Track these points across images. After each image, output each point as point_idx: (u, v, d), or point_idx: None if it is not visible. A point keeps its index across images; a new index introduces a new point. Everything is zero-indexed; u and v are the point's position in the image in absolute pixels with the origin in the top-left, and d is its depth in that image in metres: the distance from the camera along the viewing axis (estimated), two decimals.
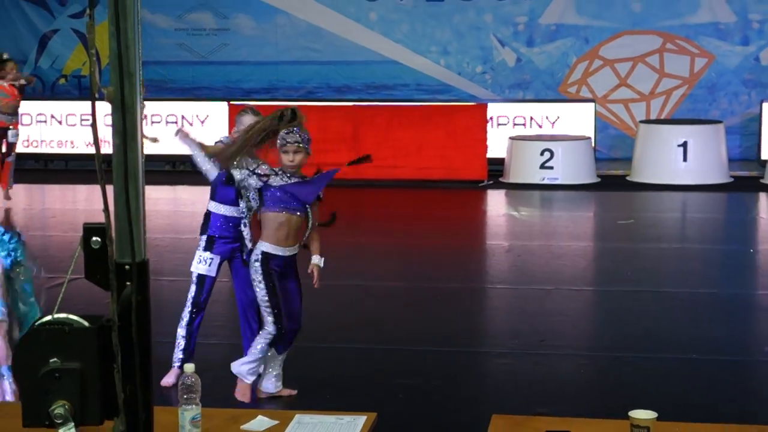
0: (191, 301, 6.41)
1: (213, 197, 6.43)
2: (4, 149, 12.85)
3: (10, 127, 12.79)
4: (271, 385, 6.04)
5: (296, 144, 5.66)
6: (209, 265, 6.35)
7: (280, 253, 5.77)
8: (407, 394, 6.22)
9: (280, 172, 5.76)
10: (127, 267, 2.23)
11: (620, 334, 7.59)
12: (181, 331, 6.39)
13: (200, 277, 6.38)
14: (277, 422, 4.08)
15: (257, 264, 5.76)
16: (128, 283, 2.23)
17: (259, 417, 4.11)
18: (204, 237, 6.38)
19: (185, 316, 6.41)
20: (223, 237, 6.34)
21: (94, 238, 2.23)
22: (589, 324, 7.87)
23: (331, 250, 10.33)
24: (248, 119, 6.39)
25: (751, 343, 7.44)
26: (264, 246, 5.77)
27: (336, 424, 4.07)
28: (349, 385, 6.41)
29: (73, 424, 2.22)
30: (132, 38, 2.20)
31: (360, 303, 8.42)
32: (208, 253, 6.36)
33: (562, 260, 10.00)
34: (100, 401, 2.23)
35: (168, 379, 6.31)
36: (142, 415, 2.24)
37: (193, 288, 6.41)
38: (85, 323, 2.26)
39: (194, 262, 6.41)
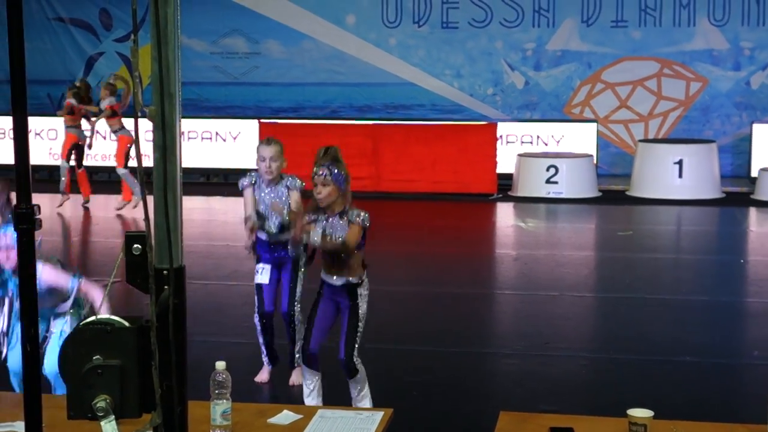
0: (255, 310, 6.49)
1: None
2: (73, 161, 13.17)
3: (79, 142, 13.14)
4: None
5: (323, 176, 5.51)
6: (261, 274, 6.42)
7: (328, 281, 5.64)
8: (421, 391, 6.20)
9: (319, 211, 5.56)
10: (165, 272, 2.23)
11: (619, 337, 7.56)
12: (259, 338, 6.52)
13: (257, 286, 6.48)
14: (301, 416, 4.07)
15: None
16: (166, 287, 2.23)
17: (285, 411, 4.11)
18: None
19: (256, 324, 6.49)
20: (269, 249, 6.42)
21: (135, 245, 2.23)
22: (590, 327, 7.84)
23: None
24: (263, 149, 6.38)
25: (740, 346, 7.41)
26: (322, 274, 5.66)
27: (355, 418, 4.06)
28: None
29: (113, 416, 2.22)
30: (172, 62, 2.20)
31: (378, 306, 8.40)
32: (260, 264, 6.45)
33: (566, 268, 9.97)
34: (139, 396, 2.22)
35: (260, 377, 6.50)
36: (177, 409, 2.24)
37: (255, 298, 6.49)
38: (126, 323, 2.26)
39: (255, 277, 6.51)
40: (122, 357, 2.23)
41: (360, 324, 5.54)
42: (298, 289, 6.35)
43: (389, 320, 7.93)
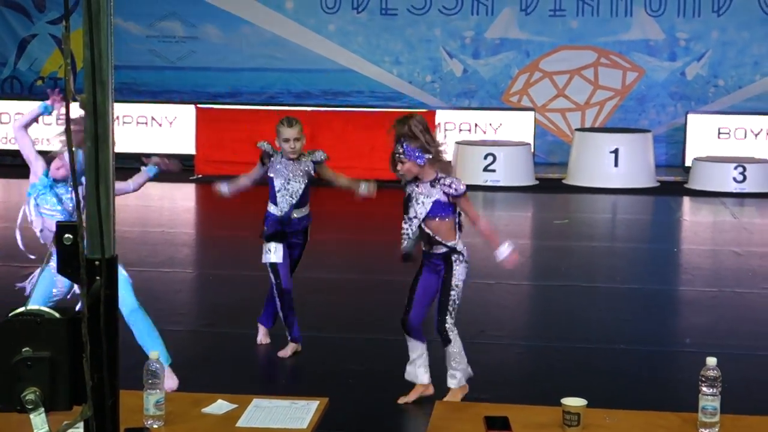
0: (275, 289, 6.51)
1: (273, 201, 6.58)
2: None
3: None
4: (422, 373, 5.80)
5: (396, 155, 5.75)
6: (274, 253, 6.48)
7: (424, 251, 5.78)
8: (357, 380, 6.20)
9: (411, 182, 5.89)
10: (96, 263, 2.21)
11: (554, 325, 7.63)
12: (281, 315, 6.57)
13: (272, 266, 6.50)
14: (236, 406, 4.06)
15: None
16: (98, 278, 2.20)
17: (219, 401, 4.09)
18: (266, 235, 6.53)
19: (277, 303, 6.53)
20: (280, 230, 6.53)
21: (66, 235, 2.20)
22: (525, 315, 7.90)
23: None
24: (285, 131, 6.53)
25: (673, 334, 7.51)
26: None
27: (291, 408, 4.05)
28: (301, 372, 6.39)
29: (43, 409, 2.19)
30: (105, 48, 2.17)
31: (315, 294, 8.39)
32: (271, 243, 6.48)
33: None
34: (69, 388, 2.19)
35: (284, 352, 6.56)
36: (108, 401, 2.21)
37: (271, 277, 6.50)
38: (56, 315, 2.23)
39: (263, 256, 6.51)
40: (52, 349, 2.20)
41: (453, 292, 5.57)
42: None
43: (327, 308, 7.92)
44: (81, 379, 2.18)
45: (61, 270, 2.24)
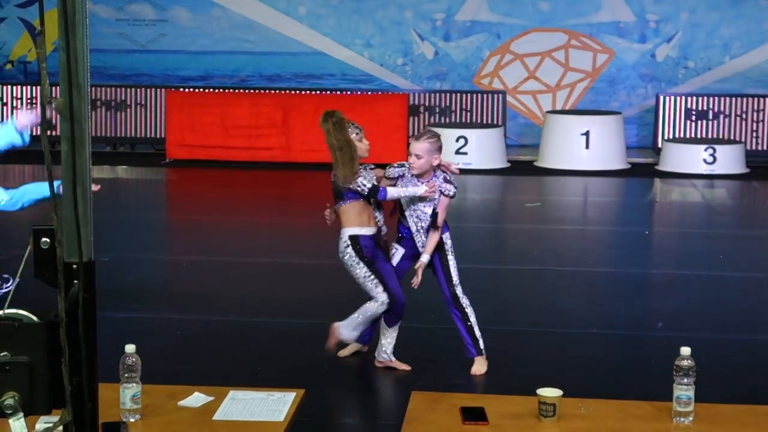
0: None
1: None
2: None
3: None
4: (386, 355, 6.07)
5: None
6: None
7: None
8: (331, 368, 6.19)
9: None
10: (74, 266, 2.20)
11: (526, 309, 7.66)
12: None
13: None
14: (212, 398, 4.06)
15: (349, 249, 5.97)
16: (75, 282, 2.19)
17: (196, 393, 4.09)
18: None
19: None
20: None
21: (43, 239, 2.19)
22: (497, 300, 7.91)
23: (260, 229, 10.30)
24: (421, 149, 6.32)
25: (645, 318, 7.55)
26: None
27: (267, 400, 4.06)
28: (276, 360, 6.38)
29: (22, 414, 2.18)
30: (81, 52, 2.16)
31: (288, 280, 8.37)
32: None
33: (474, 240, 10.04)
34: (48, 393, 2.19)
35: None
36: (87, 405, 2.21)
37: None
38: (35, 319, 2.22)
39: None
40: (31, 353, 2.19)
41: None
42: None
43: (301, 295, 7.91)
44: (60, 383, 2.18)
45: (39, 274, 2.23)
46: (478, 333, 6.08)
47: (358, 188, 5.99)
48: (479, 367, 6.06)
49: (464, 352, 6.10)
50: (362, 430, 5.49)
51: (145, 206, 12.51)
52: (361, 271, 5.96)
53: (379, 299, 5.93)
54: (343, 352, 6.31)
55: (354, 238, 5.97)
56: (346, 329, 5.99)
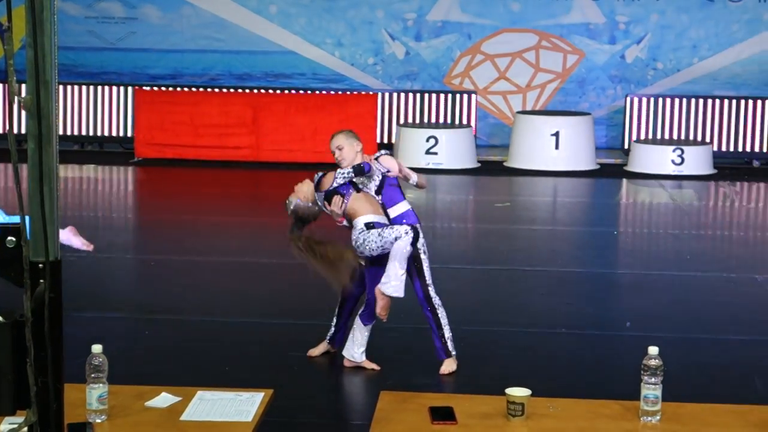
0: None
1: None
2: None
3: None
4: (357, 354, 6.05)
5: None
6: None
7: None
8: (301, 368, 6.18)
9: None
10: (40, 265, 2.18)
11: (496, 309, 7.67)
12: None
13: None
14: (180, 399, 4.04)
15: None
16: (41, 281, 2.18)
17: (163, 394, 4.07)
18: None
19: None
20: None
21: (9, 238, 2.17)
22: (467, 300, 7.91)
23: (230, 228, 10.26)
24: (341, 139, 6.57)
25: (614, 318, 7.58)
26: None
27: (235, 400, 4.05)
28: (244, 360, 6.36)
29: None
30: (48, 49, 2.14)
31: (267, 279, 8.36)
32: None
33: (444, 240, 10.06)
34: (13, 393, 2.17)
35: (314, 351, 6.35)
36: (53, 406, 2.19)
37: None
38: (0, 318, 2.20)
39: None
40: None
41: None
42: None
43: (271, 295, 7.90)
44: (25, 383, 2.16)
45: (4, 273, 2.21)
46: (448, 334, 6.07)
47: (342, 181, 6.22)
48: (448, 366, 6.06)
49: (434, 352, 6.10)
50: (331, 430, 5.48)
51: (114, 205, 12.45)
52: (372, 234, 5.89)
53: (401, 232, 5.86)
54: (313, 352, 6.29)
55: (369, 225, 5.95)
56: (391, 279, 5.88)
